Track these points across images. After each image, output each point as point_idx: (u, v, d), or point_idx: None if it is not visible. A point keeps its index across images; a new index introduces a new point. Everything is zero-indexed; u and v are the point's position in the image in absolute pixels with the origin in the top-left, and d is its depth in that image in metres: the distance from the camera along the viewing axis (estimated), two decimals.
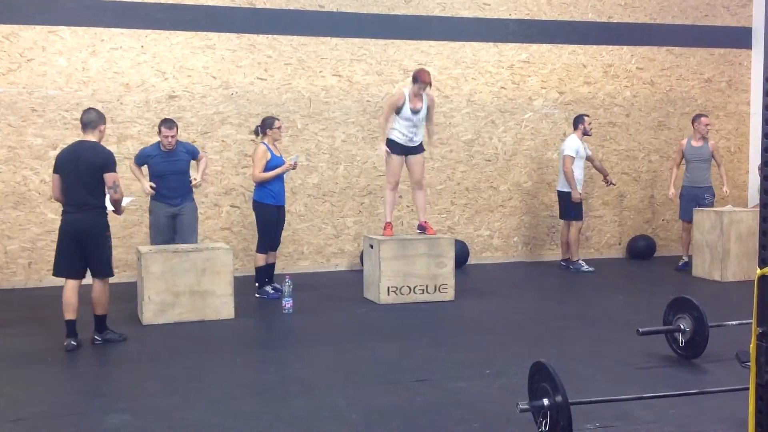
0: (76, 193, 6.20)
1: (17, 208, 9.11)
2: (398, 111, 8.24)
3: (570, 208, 10.10)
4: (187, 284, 7.14)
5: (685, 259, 10.21)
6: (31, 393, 5.19)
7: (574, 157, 9.90)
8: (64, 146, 6.65)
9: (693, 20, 11.46)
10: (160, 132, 7.97)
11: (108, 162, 6.25)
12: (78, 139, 6.48)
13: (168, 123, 7.97)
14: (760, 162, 3.19)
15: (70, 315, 6.21)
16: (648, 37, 11.28)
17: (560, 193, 10.26)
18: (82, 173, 6.17)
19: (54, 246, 9.09)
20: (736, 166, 11.86)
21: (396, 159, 8.38)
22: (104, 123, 6.46)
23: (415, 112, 8.22)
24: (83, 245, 6.22)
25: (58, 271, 6.35)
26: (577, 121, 10.16)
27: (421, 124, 8.34)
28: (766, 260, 3.08)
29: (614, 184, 10.72)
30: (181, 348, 6.27)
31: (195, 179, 8.17)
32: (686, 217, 10.13)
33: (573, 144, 9.96)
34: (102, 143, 6.37)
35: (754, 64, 11.62)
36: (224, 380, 5.45)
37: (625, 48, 11.24)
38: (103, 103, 9.25)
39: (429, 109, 8.38)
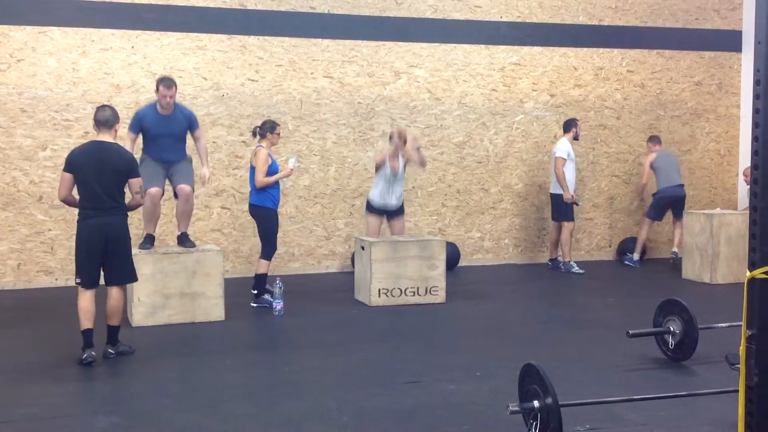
0: (99, 195, 5.86)
1: (6, 209, 9.06)
2: (377, 169, 8.67)
3: (561, 209, 10.17)
4: (177, 286, 7.12)
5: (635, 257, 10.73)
6: (19, 395, 5.16)
7: (565, 159, 10.01)
8: (77, 145, 6.29)
9: (683, 23, 11.50)
10: (157, 91, 7.28)
11: (133, 166, 6.03)
12: (92, 138, 6.12)
13: (166, 81, 7.28)
14: (748, 165, 3.20)
15: (88, 324, 5.86)
16: (639, 40, 11.32)
17: (553, 195, 10.35)
18: (106, 176, 5.86)
19: (44, 248, 9.15)
20: (725, 168, 11.90)
21: (373, 220, 8.75)
22: (119, 122, 6.12)
23: (393, 173, 8.61)
24: (105, 250, 5.89)
25: (86, 282, 5.90)
26: (570, 124, 10.28)
27: (400, 182, 8.75)
28: (755, 263, 3.09)
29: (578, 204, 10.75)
30: (170, 350, 6.25)
31: (204, 176, 7.61)
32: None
33: (564, 146, 10.07)
34: None
35: (744, 68, 11.68)
36: (214, 382, 5.43)
37: (615, 51, 11.28)
38: (93, 104, 9.19)
39: (408, 161, 8.78)
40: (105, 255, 5.92)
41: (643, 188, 11.04)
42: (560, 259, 10.53)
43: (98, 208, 5.88)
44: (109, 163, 5.89)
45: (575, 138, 10.24)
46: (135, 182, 6.02)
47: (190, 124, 7.57)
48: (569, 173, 10.09)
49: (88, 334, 5.87)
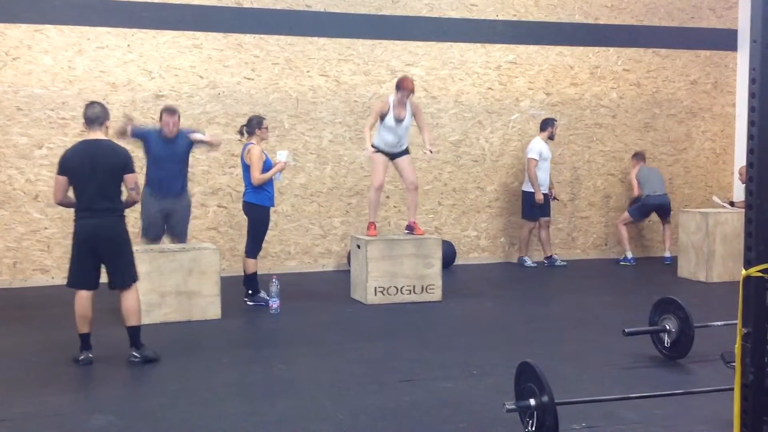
0: (93, 196, 5.71)
1: (2, 207, 9.05)
2: (382, 119, 8.26)
3: (527, 207, 10.49)
4: (173, 284, 7.11)
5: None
6: (15, 393, 5.15)
7: (537, 160, 10.26)
8: (69, 147, 6.10)
9: (679, 22, 11.52)
10: (161, 119, 7.73)
11: (128, 161, 5.85)
12: (82, 137, 6.02)
13: (169, 110, 7.75)
14: (745, 164, 3.21)
15: (84, 328, 5.78)
16: (634, 38, 11.33)
17: (523, 193, 10.59)
18: (100, 175, 5.70)
19: (40, 246, 9.14)
20: (721, 167, 11.92)
21: (380, 159, 8.39)
22: (109, 118, 5.95)
23: (398, 120, 8.26)
24: (101, 253, 5.76)
25: (74, 282, 5.81)
26: (546, 123, 10.48)
27: (405, 133, 8.41)
28: (751, 261, 3.10)
29: (558, 200, 10.92)
30: (167, 348, 6.23)
31: (195, 135, 7.92)
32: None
33: (536, 146, 10.31)
34: None
35: (740, 66, 11.70)
36: (210, 380, 5.43)
37: (611, 49, 11.29)
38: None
39: (416, 116, 8.44)
40: (102, 258, 5.80)
41: (638, 197, 11.07)
42: (555, 257, 10.62)
43: (93, 209, 5.72)
44: (103, 161, 5.73)
45: (550, 137, 10.47)
46: (130, 178, 5.85)
47: (189, 146, 7.90)
48: (543, 173, 10.38)
49: (85, 337, 5.82)
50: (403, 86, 8.18)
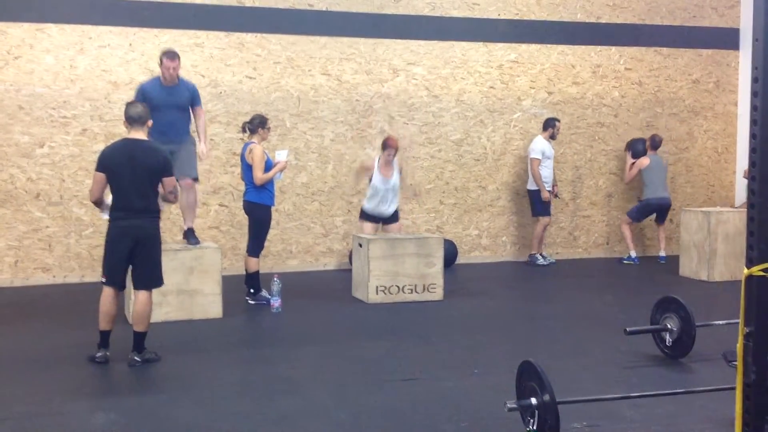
0: (130, 196, 5.66)
1: (3, 206, 9.05)
2: (370, 179, 8.73)
3: (538, 205, 10.51)
4: (174, 283, 7.10)
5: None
6: (17, 392, 5.16)
7: (540, 159, 10.32)
8: (109, 144, 6.11)
9: (681, 21, 11.50)
10: (161, 64, 7.32)
11: (168, 164, 5.82)
12: (124, 136, 5.91)
13: (169, 54, 7.33)
14: (747, 163, 3.20)
15: (107, 326, 5.77)
16: (636, 37, 11.32)
17: (529, 191, 10.64)
18: (139, 175, 5.65)
19: (41, 245, 9.15)
20: (723, 166, 11.91)
21: (367, 226, 8.86)
22: (150, 118, 5.89)
23: (386, 180, 8.62)
24: (135, 253, 5.71)
25: (112, 281, 5.76)
26: (548, 123, 10.52)
27: (395, 192, 8.79)
28: (752, 260, 3.10)
29: (558, 197, 10.91)
30: (168, 347, 6.24)
31: (201, 151, 7.61)
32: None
33: (538, 146, 10.36)
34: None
35: (742, 65, 11.69)
36: (211, 379, 5.43)
37: (613, 48, 11.28)
38: (90, 102, 9.22)
39: (401, 171, 8.89)
40: (133, 258, 5.76)
41: (628, 180, 11.13)
42: (538, 256, 10.64)
43: (129, 210, 5.68)
44: (143, 162, 5.67)
45: (552, 137, 10.52)
46: (169, 182, 5.80)
47: (193, 98, 7.59)
48: (546, 170, 10.44)
49: (105, 335, 5.80)
50: (389, 145, 8.64)
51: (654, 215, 10.95)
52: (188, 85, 7.64)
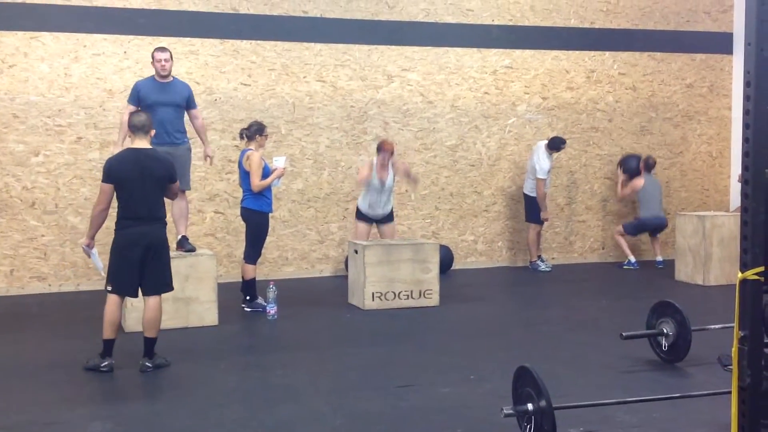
0: (139, 204, 5.71)
1: None
2: (367, 177, 8.78)
3: (535, 211, 10.49)
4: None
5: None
6: (12, 401, 5.14)
7: (545, 179, 10.39)
8: (114, 155, 6.09)
9: (675, 26, 11.54)
10: (153, 59, 7.38)
11: (173, 171, 5.92)
12: (130, 145, 5.92)
13: (159, 47, 7.46)
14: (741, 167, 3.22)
15: (111, 334, 5.76)
16: (630, 42, 11.35)
17: (526, 196, 10.63)
18: (148, 185, 5.73)
19: (37, 254, 9.13)
20: (717, 170, 11.94)
21: (362, 226, 8.95)
22: (153, 128, 5.99)
23: (382, 182, 8.70)
24: (144, 259, 5.73)
25: (119, 289, 5.77)
26: (561, 146, 10.41)
27: (389, 193, 8.89)
28: (747, 264, 3.11)
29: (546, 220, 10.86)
30: (164, 355, 6.22)
31: (208, 155, 7.81)
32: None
33: (545, 165, 10.34)
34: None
35: (735, 70, 11.72)
36: (208, 387, 5.43)
37: (607, 53, 11.31)
38: (85, 110, 9.22)
39: (396, 172, 8.94)
40: (143, 264, 5.76)
41: (620, 198, 11.21)
42: (542, 258, 10.66)
43: (138, 218, 5.73)
44: (151, 171, 5.74)
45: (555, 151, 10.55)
46: (173, 187, 5.98)
47: (189, 99, 7.62)
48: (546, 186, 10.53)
49: (109, 344, 5.79)
50: (384, 148, 8.74)
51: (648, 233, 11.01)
52: (184, 84, 7.69)
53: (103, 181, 5.80)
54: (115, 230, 5.83)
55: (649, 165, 10.83)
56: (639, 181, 10.77)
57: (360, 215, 9.01)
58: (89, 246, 6.01)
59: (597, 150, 11.34)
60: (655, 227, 10.83)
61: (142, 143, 5.82)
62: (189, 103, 7.67)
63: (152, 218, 5.79)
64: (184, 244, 7.56)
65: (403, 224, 10.21)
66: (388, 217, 9.00)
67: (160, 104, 7.26)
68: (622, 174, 10.98)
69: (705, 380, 5.37)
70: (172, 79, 7.51)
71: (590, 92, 11.25)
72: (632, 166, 10.87)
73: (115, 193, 5.77)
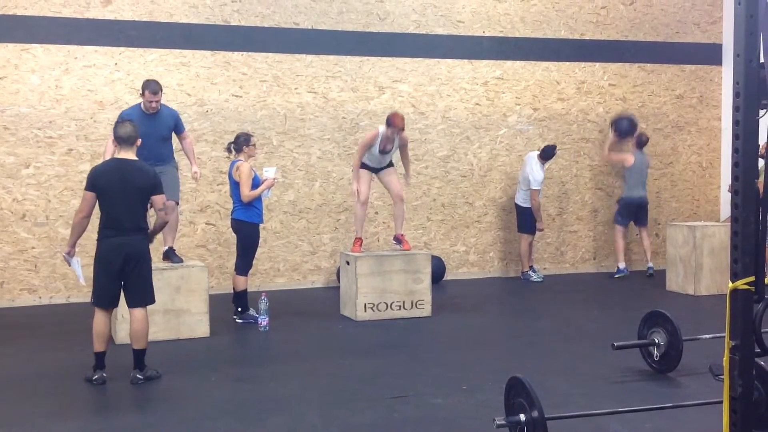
0: (121, 215, 5.69)
1: None
2: (369, 147, 8.43)
3: (528, 221, 10.52)
4: (161, 302, 7.04)
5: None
6: (2, 414, 5.11)
7: (539, 190, 10.44)
8: (98, 163, 6.14)
9: (664, 37, 11.61)
10: (143, 95, 7.33)
11: (157, 182, 5.86)
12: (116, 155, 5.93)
13: (152, 86, 7.30)
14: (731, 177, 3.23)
15: (100, 347, 5.76)
16: (620, 54, 11.41)
17: (519, 207, 10.64)
18: (130, 195, 5.71)
19: (27, 266, 9.09)
20: (708, 181, 11.99)
21: (364, 174, 8.54)
22: (139, 137, 5.91)
23: (383, 152, 8.42)
24: (125, 271, 5.72)
25: (99, 301, 5.78)
26: (554, 153, 10.48)
27: (388, 158, 8.56)
28: (737, 274, 3.12)
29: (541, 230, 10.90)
30: (155, 367, 6.19)
31: (195, 173, 7.72)
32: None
33: (539, 176, 10.39)
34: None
35: (725, 80, 11.78)
36: (199, 399, 5.40)
37: (597, 65, 11.36)
38: (76, 121, 9.20)
39: (401, 149, 8.57)
40: (124, 275, 5.76)
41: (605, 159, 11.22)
42: (534, 269, 10.67)
43: (119, 228, 5.71)
44: (133, 182, 5.72)
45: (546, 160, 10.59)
46: (158, 199, 5.85)
47: (176, 124, 7.62)
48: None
49: (100, 356, 5.78)
50: (394, 124, 8.25)
51: (638, 231, 10.98)
52: (170, 112, 7.64)
53: (85, 189, 5.82)
54: (96, 240, 5.83)
55: (642, 142, 10.86)
56: (630, 158, 10.76)
57: (362, 165, 8.59)
58: (69, 254, 6.01)
59: (588, 161, 11.38)
60: (638, 207, 10.78)
61: (128, 154, 5.82)
62: (177, 128, 7.69)
63: (133, 229, 5.76)
64: (171, 256, 7.55)
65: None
66: (388, 165, 8.67)
67: (147, 136, 7.04)
68: (612, 135, 10.91)
69: (696, 390, 5.38)
70: (159, 108, 7.44)
71: (581, 103, 11.29)
72: (623, 127, 10.81)
73: (97, 203, 5.76)
